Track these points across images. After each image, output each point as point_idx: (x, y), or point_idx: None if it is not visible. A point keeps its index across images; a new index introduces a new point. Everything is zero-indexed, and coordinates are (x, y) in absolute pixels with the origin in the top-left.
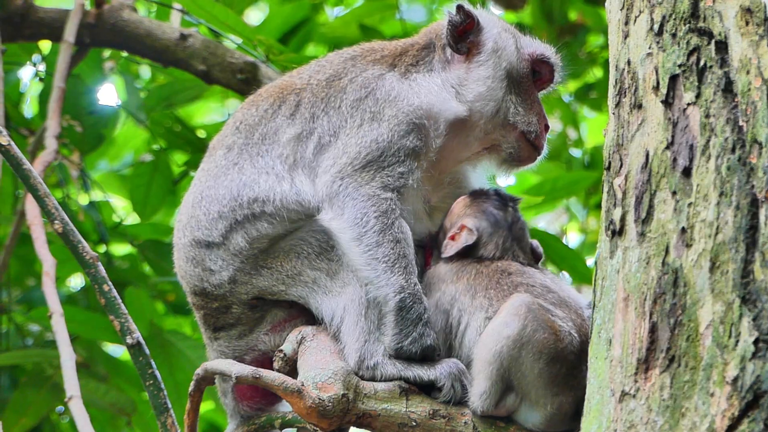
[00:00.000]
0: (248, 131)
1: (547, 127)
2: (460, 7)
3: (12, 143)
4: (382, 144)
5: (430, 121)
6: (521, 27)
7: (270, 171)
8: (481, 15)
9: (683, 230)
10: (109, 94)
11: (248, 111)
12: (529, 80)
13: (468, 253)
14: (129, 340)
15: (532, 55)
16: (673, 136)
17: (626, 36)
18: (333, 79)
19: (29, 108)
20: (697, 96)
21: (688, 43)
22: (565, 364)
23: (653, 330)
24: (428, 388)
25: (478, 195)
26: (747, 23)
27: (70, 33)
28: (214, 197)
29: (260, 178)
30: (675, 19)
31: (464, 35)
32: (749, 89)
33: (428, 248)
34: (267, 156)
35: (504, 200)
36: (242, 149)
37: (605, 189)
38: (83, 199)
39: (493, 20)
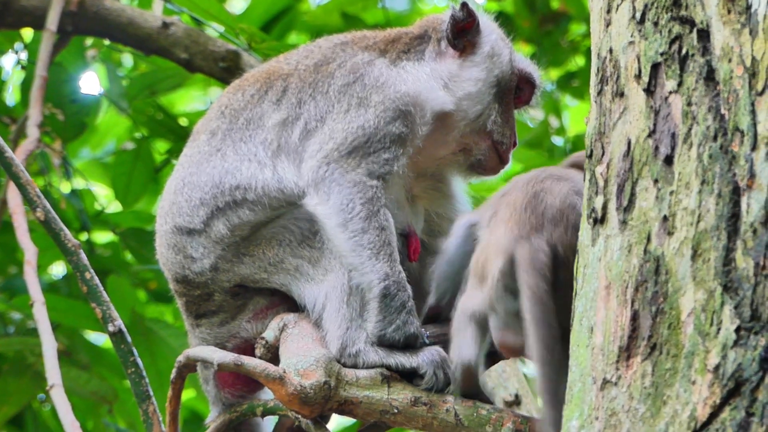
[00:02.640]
0: (233, 116)
1: (515, 143)
2: (464, 5)
3: None
4: (368, 130)
5: (417, 108)
6: (504, 16)
7: (252, 158)
8: (482, 17)
9: (665, 218)
10: (91, 82)
11: (234, 96)
12: (512, 94)
13: None
14: (111, 328)
15: (521, 72)
16: (654, 125)
17: (608, 24)
18: (321, 64)
19: (11, 96)
20: (679, 84)
21: (670, 31)
22: None
23: (635, 318)
24: (410, 376)
25: None
26: (729, 11)
27: (52, 21)
28: (196, 184)
29: (242, 165)
30: (657, 7)
31: (462, 33)
32: (731, 77)
33: (411, 237)
34: (250, 142)
35: None
36: (226, 134)
37: (587, 177)
38: (65, 187)
39: (493, 26)
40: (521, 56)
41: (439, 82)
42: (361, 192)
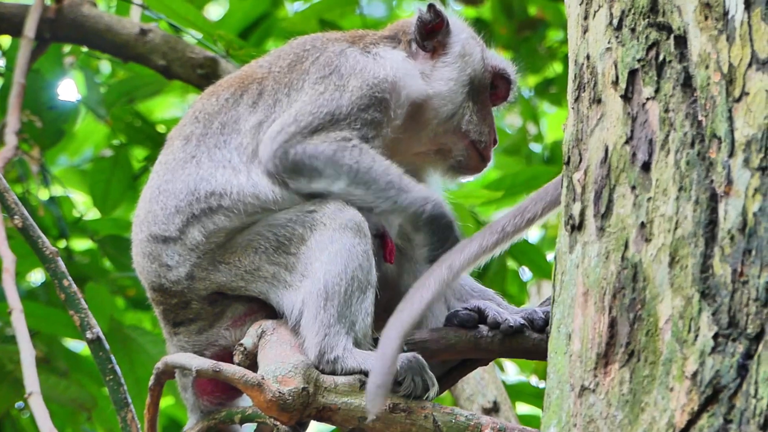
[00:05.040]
0: (207, 120)
1: (495, 141)
2: (431, 6)
3: None
4: (339, 115)
5: (394, 94)
6: (481, 23)
7: (227, 164)
8: (451, 17)
9: (642, 225)
10: (69, 89)
11: (208, 101)
12: (486, 92)
13: None
14: (89, 335)
15: (495, 68)
16: (632, 131)
17: (585, 31)
18: (295, 63)
19: None
20: (656, 91)
21: (647, 37)
22: None
23: (612, 325)
24: None
25: None
26: (706, 18)
27: (30, 28)
28: (171, 191)
29: (217, 172)
30: (634, 13)
31: (432, 34)
32: (708, 84)
33: (386, 239)
34: (225, 148)
35: None
36: (200, 140)
37: (564, 184)
38: (43, 195)
39: (462, 26)
40: (494, 53)
41: (415, 71)
42: (341, 148)
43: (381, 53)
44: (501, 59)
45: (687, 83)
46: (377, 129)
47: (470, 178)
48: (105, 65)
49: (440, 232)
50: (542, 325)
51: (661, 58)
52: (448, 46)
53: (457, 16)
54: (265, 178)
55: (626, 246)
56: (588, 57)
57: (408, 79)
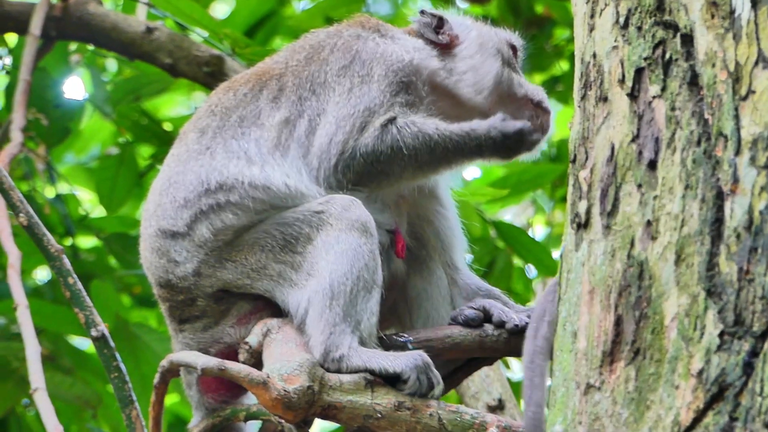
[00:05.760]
0: (224, 114)
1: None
2: (423, 12)
3: None
4: (375, 108)
5: (418, 75)
6: (487, 20)
7: (242, 155)
8: (445, 13)
9: (648, 223)
10: (75, 87)
11: (224, 95)
12: (513, 59)
13: None
14: (94, 333)
15: (508, 39)
16: (638, 129)
17: (592, 29)
18: (312, 55)
19: None
20: (663, 89)
21: (653, 36)
22: None
23: (618, 323)
24: (393, 380)
25: None
26: (712, 16)
27: (36, 26)
28: (181, 183)
29: (230, 163)
30: (640, 12)
31: (439, 29)
32: (715, 82)
33: (398, 234)
34: (242, 139)
35: None
36: (216, 132)
37: (571, 182)
38: (49, 192)
39: (456, 15)
40: (493, 28)
41: (434, 54)
42: (390, 136)
43: (398, 35)
44: (502, 30)
45: (693, 81)
46: (412, 107)
47: (544, 140)
48: (111, 63)
49: (516, 146)
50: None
51: (667, 56)
52: (461, 35)
53: (448, 12)
54: (281, 172)
55: (632, 244)
56: (594, 55)
57: (430, 61)
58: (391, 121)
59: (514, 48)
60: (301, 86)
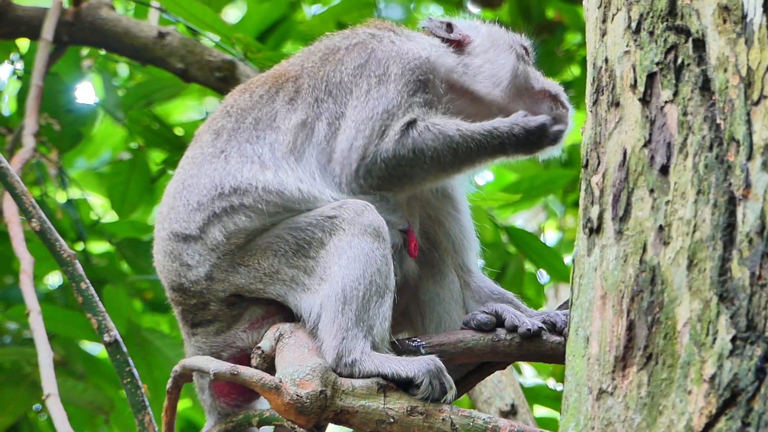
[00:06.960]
0: (240, 115)
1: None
2: (430, 20)
3: None
4: (393, 109)
5: (435, 72)
6: (499, 26)
7: (256, 160)
8: (452, 19)
9: (661, 228)
10: (87, 92)
11: (240, 97)
12: (527, 55)
13: None
14: (106, 338)
15: (516, 39)
16: (650, 134)
17: (604, 34)
18: (327, 56)
19: (7, 106)
20: (675, 94)
21: (665, 41)
22: None
23: (631, 328)
24: (406, 385)
25: None
26: (724, 21)
27: (48, 31)
28: (195, 186)
29: (244, 168)
30: (652, 17)
31: (450, 32)
32: (727, 87)
33: (410, 234)
34: (256, 143)
35: None
36: (231, 134)
37: (583, 187)
38: (61, 197)
39: (464, 20)
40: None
41: (449, 51)
42: (411, 140)
43: (413, 34)
44: (512, 33)
45: (705, 86)
46: (431, 106)
47: (566, 132)
48: (123, 68)
49: (539, 141)
50: (563, 328)
51: (679, 61)
52: (471, 33)
53: (455, 18)
54: (294, 177)
55: (644, 249)
56: (606, 60)
57: (446, 58)
58: (412, 123)
59: (524, 48)
60: (317, 87)
